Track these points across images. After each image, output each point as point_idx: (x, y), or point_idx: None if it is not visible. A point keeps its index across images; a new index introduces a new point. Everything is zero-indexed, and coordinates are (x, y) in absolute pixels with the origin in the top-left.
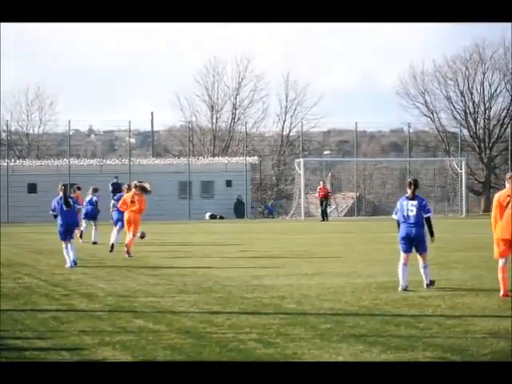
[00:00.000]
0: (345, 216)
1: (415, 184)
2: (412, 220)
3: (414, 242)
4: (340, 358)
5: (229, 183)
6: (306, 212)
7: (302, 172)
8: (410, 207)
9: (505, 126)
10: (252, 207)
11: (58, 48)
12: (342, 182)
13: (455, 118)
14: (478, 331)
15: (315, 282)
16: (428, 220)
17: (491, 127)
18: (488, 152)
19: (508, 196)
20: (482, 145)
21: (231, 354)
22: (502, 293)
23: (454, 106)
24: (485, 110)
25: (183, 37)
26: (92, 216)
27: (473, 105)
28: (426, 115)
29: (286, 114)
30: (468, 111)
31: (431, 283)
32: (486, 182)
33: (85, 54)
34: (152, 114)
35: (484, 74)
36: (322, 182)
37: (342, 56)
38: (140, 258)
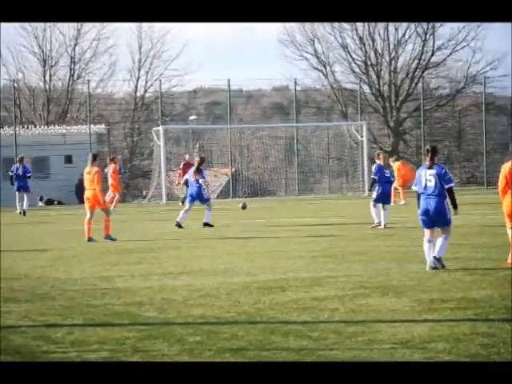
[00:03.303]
0: (217, 198)
1: (433, 151)
2: (430, 191)
3: (434, 215)
4: None
5: (69, 159)
6: (169, 193)
7: (162, 143)
8: (429, 177)
9: (415, 80)
10: None
11: None
12: (214, 156)
13: (353, 71)
14: (385, 340)
15: (181, 282)
16: (450, 191)
17: (398, 82)
18: (395, 114)
19: None
20: (388, 105)
21: None
22: (509, 260)
23: (351, 57)
24: (390, 61)
25: None
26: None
27: (375, 54)
28: (316, 68)
29: (139, 70)
30: (369, 62)
31: (439, 261)
32: (393, 151)
33: None
34: None
35: None
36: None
37: None
38: None
